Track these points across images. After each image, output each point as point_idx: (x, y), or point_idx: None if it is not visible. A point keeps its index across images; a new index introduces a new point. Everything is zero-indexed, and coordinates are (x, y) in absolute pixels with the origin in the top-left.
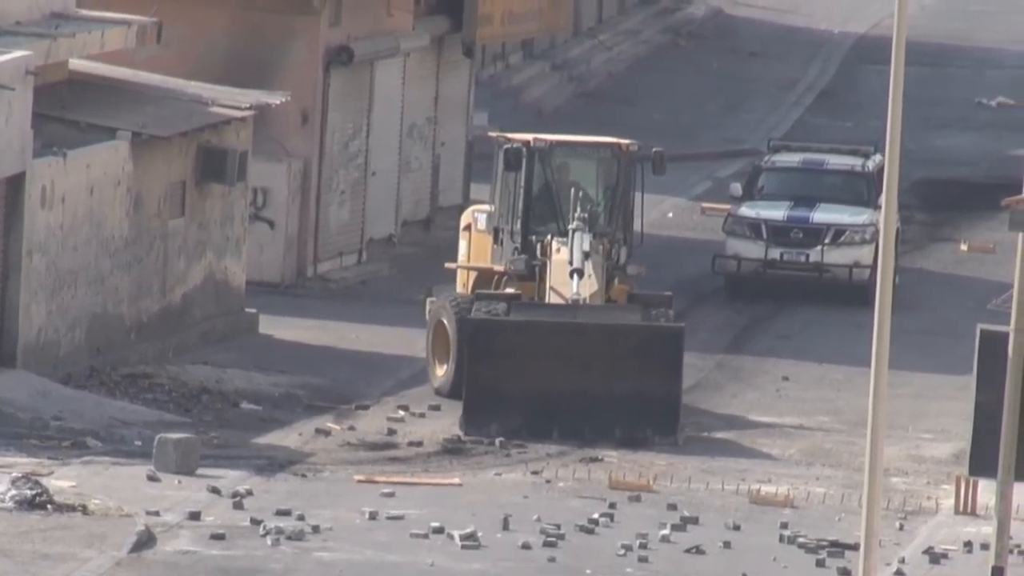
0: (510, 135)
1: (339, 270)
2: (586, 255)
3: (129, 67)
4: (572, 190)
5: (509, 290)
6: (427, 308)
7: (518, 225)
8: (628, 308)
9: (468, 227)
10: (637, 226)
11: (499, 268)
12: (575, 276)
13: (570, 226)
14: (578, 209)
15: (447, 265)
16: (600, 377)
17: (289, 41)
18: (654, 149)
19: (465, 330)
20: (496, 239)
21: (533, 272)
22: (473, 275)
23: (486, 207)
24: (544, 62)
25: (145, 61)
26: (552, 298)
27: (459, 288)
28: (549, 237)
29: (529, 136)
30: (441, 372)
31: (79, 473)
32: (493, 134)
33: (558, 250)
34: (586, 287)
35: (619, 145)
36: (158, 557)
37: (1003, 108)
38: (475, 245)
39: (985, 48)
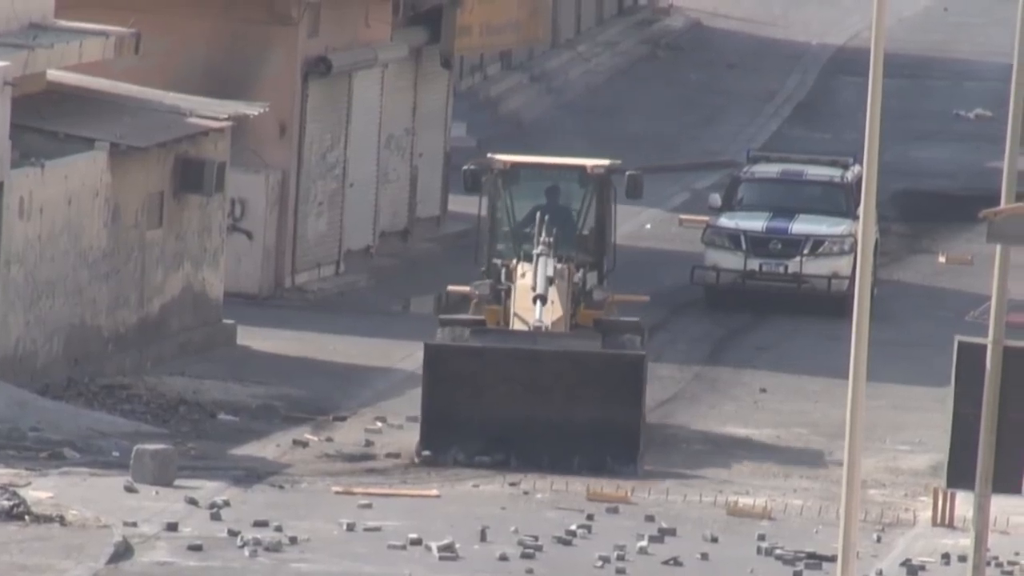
0: (493, 156)
1: (317, 281)
2: (550, 280)
3: (107, 78)
4: (538, 213)
5: (482, 315)
6: None
7: (483, 247)
8: (590, 335)
9: None
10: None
11: (467, 290)
12: (538, 302)
13: (535, 251)
14: (543, 233)
15: (449, 288)
16: (559, 405)
17: (267, 52)
18: (628, 172)
19: (425, 355)
20: (476, 260)
21: (499, 296)
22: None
23: None
24: (522, 73)
25: (123, 72)
26: (516, 324)
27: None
28: (514, 261)
29: (508, 158)
30: None
31: (56, 484)
32: (491, 155)
33: (523, 275)
34: (549, 314)
35: (584, 167)
36: (135, 568)
37: (981, 120)
38: None
39: (963, 60)
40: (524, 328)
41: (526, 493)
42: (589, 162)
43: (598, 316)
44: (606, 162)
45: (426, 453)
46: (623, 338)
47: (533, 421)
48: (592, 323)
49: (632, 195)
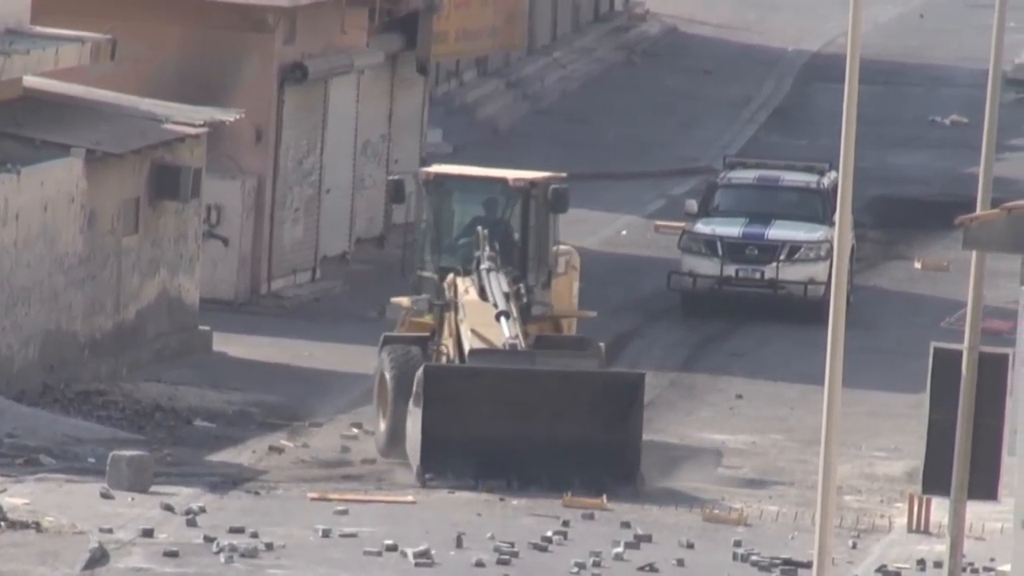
0: (431, 168)
1: (293, 287)
2: (507, 296)
3: (83, 84)
4: (479, 227)
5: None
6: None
7: (410, 258)
8: (585, 353)
9: None
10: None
11: (404, 302)
12: (503, 319)
13: (482, 265)
14: (487, 248)
15: (392, 300)
16: (558, 425)
17: (243, 58)
18: (553, 186)
19: (423, 377)
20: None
21: (433, 310)
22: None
23: None
24: (498, 80)
25: (99, 78)
26: (475, 342)
27: None
28: (452, 276)
29: (431, 169)
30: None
31: (32, 490)
32: (425, 169)
33: (466, 290)
34: (513, 329)
35: (507, 180)
36: (111, 574)
37: (957, 126)
38: None
39: (939, 66)
40: (484, 346)
41: (502, 499)
42: (511, 174)
43: (540, 332)
44: (531, 175)
45: (429, 476)
46: (583, 356)
47: (532, 441)
48: (535, 340)
49: (556, 209)
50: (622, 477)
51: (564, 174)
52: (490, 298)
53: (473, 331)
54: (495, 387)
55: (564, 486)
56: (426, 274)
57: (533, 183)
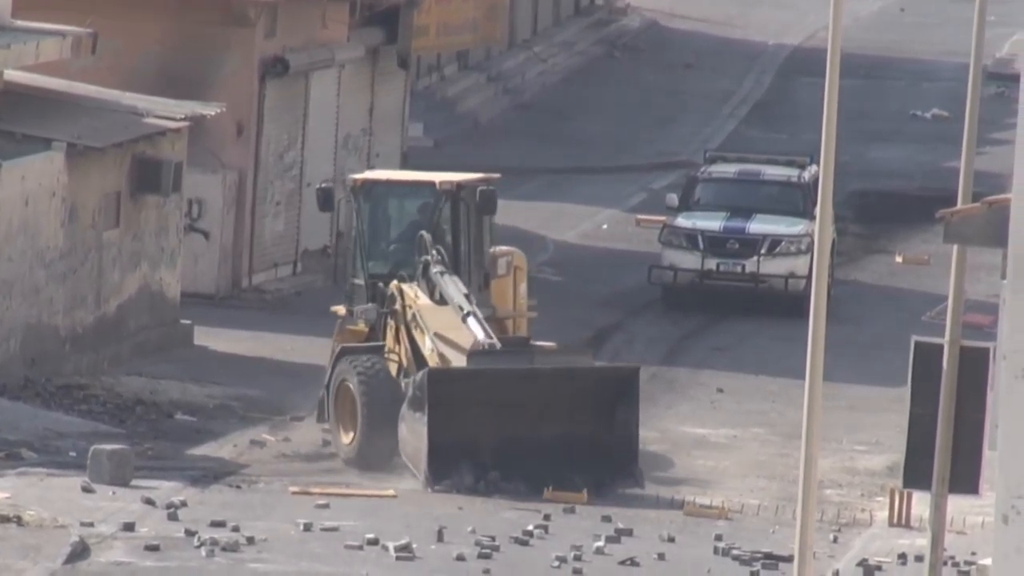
0: (357, 175)
1: (274, 281)
2: (467, 297)
3: (64, 78)
4: (421, 232)
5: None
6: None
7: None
8: (579, 350)
9: None
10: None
11: (339, 310)
12: (472, 320)
13: (434, 270)
14: (432, 252)
15: (332, 309)
16: (559, 422)
17: (224, 52)
18: (480, 188)
19: (428, 381)
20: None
21: (380, 320)
22: None
23: None
24: (479, 73)
25: (80, 72)
26: (440, 346)
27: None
28: (395, 283)
29: (359, 175)
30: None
31: (14, 484)
32: (353, 176)
33: (416, 296)
34: (483, 329)
35: (433, 183)
36: (92, 568)
37: (938, 120)
38: None
39: (920, 60)
40: (449, 350)
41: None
42: (439, 177)
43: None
44: (460, 176)
45: (439, 487)
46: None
47: (534, 441)
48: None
49: (484, 211)
50: (624, 472)
51: (497, 175)
52: (451, 301)
53: (438, 335)
54: (497, 387)
55: (567, 484)
56: (359, 281)
57: (460, 185)
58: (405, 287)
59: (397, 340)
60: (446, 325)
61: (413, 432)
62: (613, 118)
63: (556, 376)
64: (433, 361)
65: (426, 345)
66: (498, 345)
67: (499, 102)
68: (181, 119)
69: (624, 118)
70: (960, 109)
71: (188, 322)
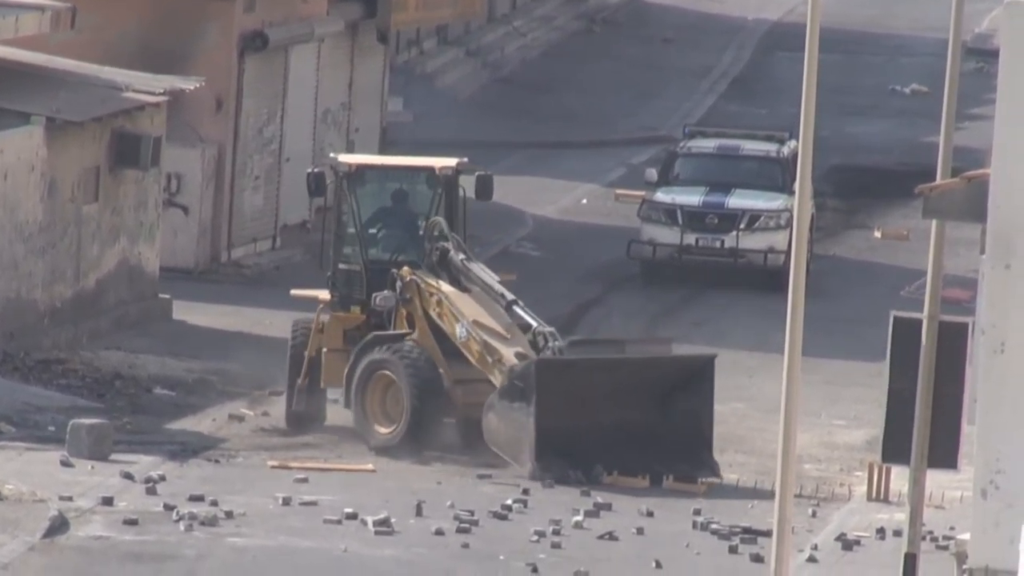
0: (342, 157)
1: (253, 256)
2: (500, 283)
3: (43, 52)
4: (439, 219)
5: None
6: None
7: (330, 251)
8: (657, 339)
9: None
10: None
11: (321, 295)
12: (517, 307)
13: (459, 257)
14: (451, 238)
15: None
16: (648, 412)
17: (203, 26)
18: (477, 173)
19: (536, 372)
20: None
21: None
22: None
23: None
24: (459, 48)
25: (59, 46)
26: (482, 334)
27: None
28: (405, 269)
29: (351, 159)
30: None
31: None
32: (333, 154)
33: (439, 284)
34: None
35: (433, 168)
36: (71, 542)
37: (917, 95)
38: None
39: (899, 35)
40: (492, 336)
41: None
42: (438, 162)
43: None
44: (454, 162)
45: (548, 480)
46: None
47: (626, 430)
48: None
49: (481, 197)
50: (703, 459)
51: (465, 159)
52: (490, 289)
53: (477, 323)
54: (592, 377)
55: (654, 473)
56: (350, 267)
57: (458, 170)
58: (421, 274)
59: (409, 327)
60: (479, 312)
61: (510, 422)
62: (592, 93)
63: (644, 365)
64: (472, 349)
65: (457, 333)
66: (556, 333)
67: (478, 77)
68: (160, 93)
69: (603, 93)
70: (939, 84)
71: (167, 296)
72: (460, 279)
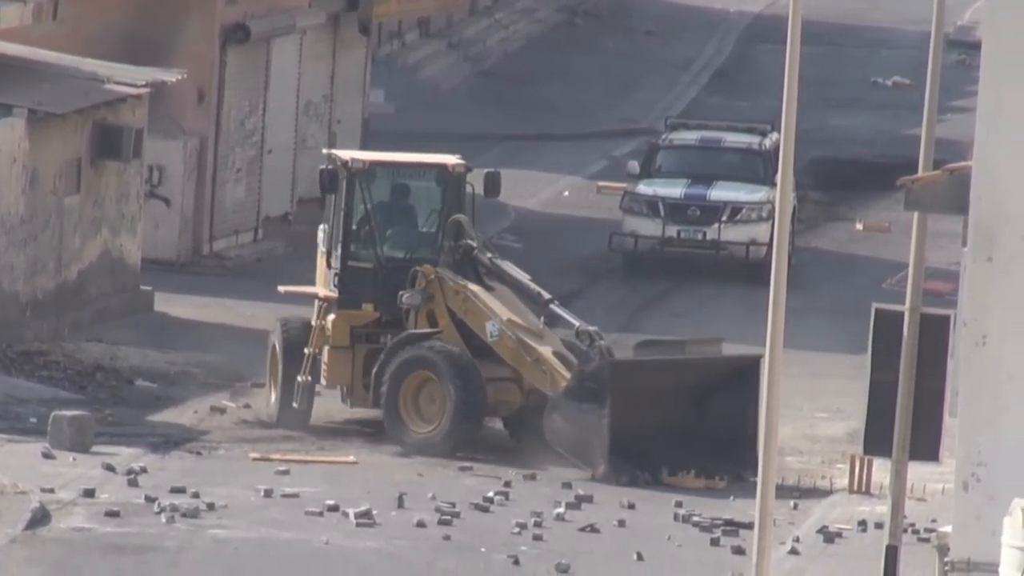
0: (342, 153)
1: (235, 248)
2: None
3: (25, 44)
4: (459, 218)
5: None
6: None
7: (337, 249)
8: (710, 340)
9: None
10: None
11: (324, 293)
12: (555, 306)
13: (487, 255)
14: (469, 236)
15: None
16: (706, 411)
17: (185, 18)
18: (487, 171)
19: (610, 373)
20: (328, 262)
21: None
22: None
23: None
24: (440, 40)
25: (41, 38)
26: (519, 333)
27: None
28: (428, 268)
29: (361, 156)
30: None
31: None
32: (326, 151)
33: (465, 282)
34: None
35: (445, 165)
36: (52, 534)
37: (899, 88)
38: (319, 265)
39: (881, 28)
40: (526, 333)
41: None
42: (450, 160)
43: None
44: (460, 160)
45: (623, 478)
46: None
47: (685, 430)
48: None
49: (490, 194)
50: (747, 460)
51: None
52: (526, 289)
53: (512, 322)
54: (662, 378)
55: (708, 472)
56: (361, 265)
57: (469, 167)
58: (442, 271)
59: (430, 325)
60: (510, 311)
61: (579, 423)
62: (574, 85)
63: (702, 366)
64: (506, 348)
65: (488, 331)
66: (600, 332)
67: (460, 69)
68: (142, 85)
69: (585, 85)
70: (921, 77)
71: (149, 288)
72: (484, 277)
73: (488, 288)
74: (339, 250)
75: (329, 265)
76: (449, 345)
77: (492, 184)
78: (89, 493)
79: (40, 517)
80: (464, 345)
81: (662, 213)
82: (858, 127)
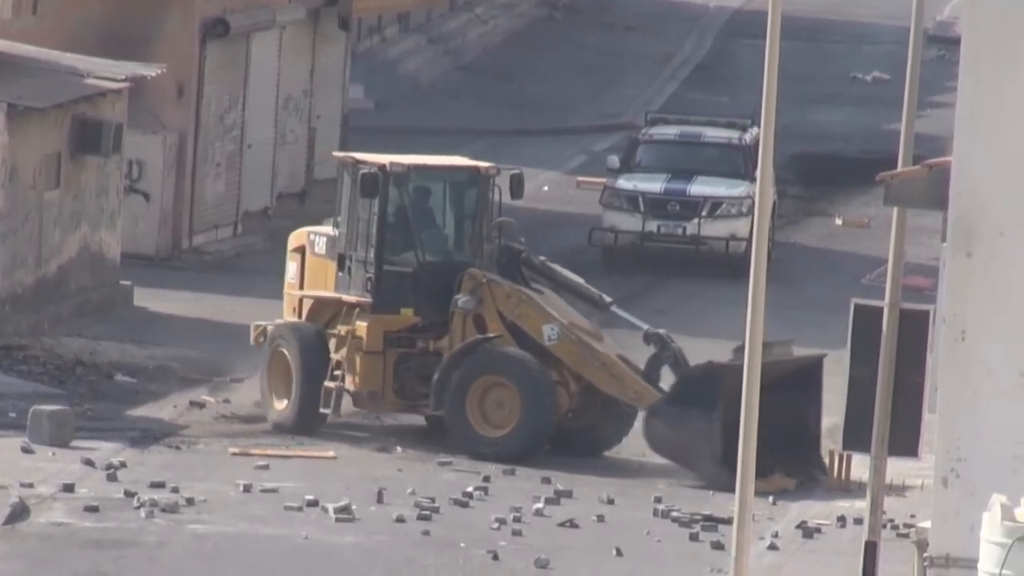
0: (358, 156)
1: (214, 243)
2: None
3: (4, 38)
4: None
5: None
6: (259, 335)
7: (371, 254)
8: (782, 341)
9: (299, 249)
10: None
11: (349, 298)
12: (616, 308)
13: (539, 258)
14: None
15: (294, 292)
16: (783, 412)
17: (165, 13)
18: (511, 172)
19: (723, 377)
20: (342, 266)
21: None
22: (308, 302)
23: (323, 229)
24: (420, 35)
25: (21, 32)
26: (582, 335)
27: (288, 314)
28: (476, 271)
29: (385, 159)
30: (281, 406)
31: None
32: (339, 154)
33: (516, 286)
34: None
35: (478, 168)
36: (32, 529)
37: (878, 83)
38: (311, 270)
39: (861, 23)
40: (588, 336)
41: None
42: (481, 163)
43: None
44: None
45: (732, 483)
46: None
47: (769, 431)
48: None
49: (515, 196)
50: (812, 459)
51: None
52: (586, 292)
53: (572, 323)
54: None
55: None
56: (399, 269)
57: (499, 170)
58: (492, 275)
59: (478, 330)
60: (569, 314)
61: (685, 428)
62: (554, 80)
63: (784, 367)
64: (568, 350)
65: (545, 334)
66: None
67: (440, 64)
68: (121, 80)
69: (565, 80)
70: (900, 72)
71: (128, 283)
72: (531, 281)
73: (537, 292)
74: (371, 254)
75: (345, 269)
76: (516, 349)
77: (517, 185)
78: (69, 488)
79: (19, 512)
80: (519, 348)
81: (642, 208)
82: (838, 122)
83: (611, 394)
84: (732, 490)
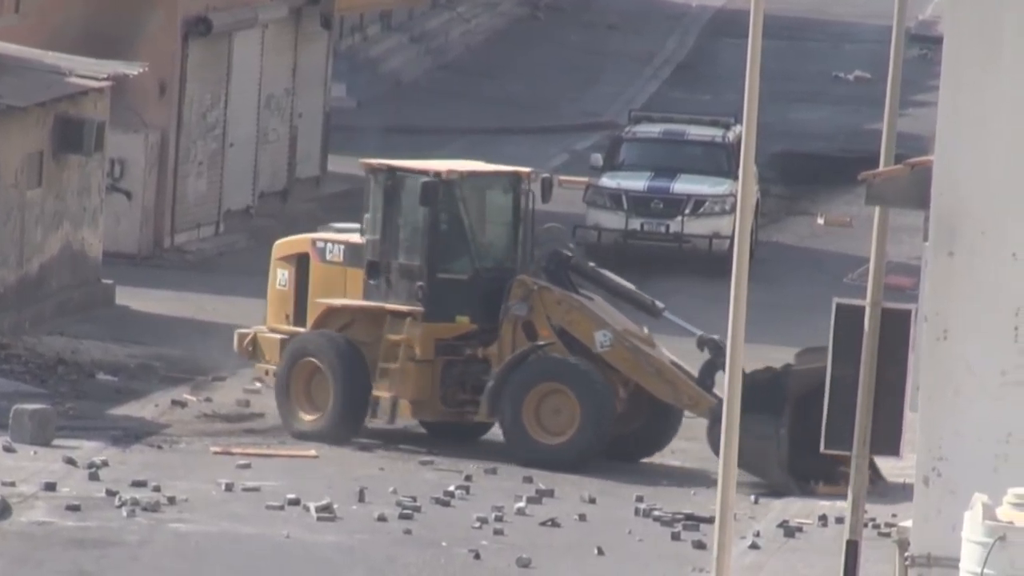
0: (392, 163)
1: (196, 241)
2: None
3: None
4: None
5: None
6: (248, 343)
7: (419, 261)
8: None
9: (294, 256)
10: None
11: (391, 306)
12: (667, 314)
13: (590, 264)
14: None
15: (325, 301)
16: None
17: (147, 11)
18: (542, 176)
19: (790, 382)
20: (374, 275)
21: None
22: (314, 309)
23: (332, 235)
24: (402, 34)
25: (3, 31)
26: (635, 342)
27: (275, 320)
28: (526, 277)
29: (435, 166)
30: (311, 417)
31: None
32: (369, 160)
33: (565, 292)
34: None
35: (519, 173)
36: (13, 528)
37: (860, 82)
38: (322, 278)
39: (843, 22)
40: (640, 343)
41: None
42: (522, 168)
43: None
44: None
45: (798, 488)
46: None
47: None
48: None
49: (545, 199)
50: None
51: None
52: (639, 298)
53: (626, 330)
54: (817, 385)
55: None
56: (454, 276)
57: (537, 173)
58: (542, 282)
59: (528, 336)
60: (620, 320)
61: (752, 434)
62: (536, 79)
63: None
64: (622, 357)
65: (597, 340)
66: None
67: (422, 62)
68: (104, 78)
69: (547, 79)
70: (882, 71)
71: (110, 282)
72: (579, 287)
73: (587, 298)
74: (421, 262)
75: (384, 277)
76: (574, 356)
77: (547, 188)
78: (50, 487)
79: (1, 511)
80: (569, 355)
81: (625, 206)
82: (820, 121)
83: (666, 401)
84: (798, 495)
